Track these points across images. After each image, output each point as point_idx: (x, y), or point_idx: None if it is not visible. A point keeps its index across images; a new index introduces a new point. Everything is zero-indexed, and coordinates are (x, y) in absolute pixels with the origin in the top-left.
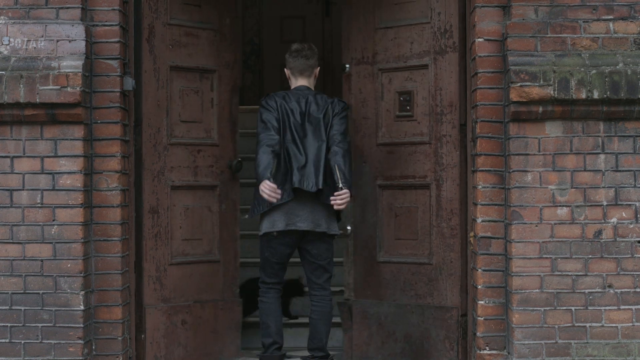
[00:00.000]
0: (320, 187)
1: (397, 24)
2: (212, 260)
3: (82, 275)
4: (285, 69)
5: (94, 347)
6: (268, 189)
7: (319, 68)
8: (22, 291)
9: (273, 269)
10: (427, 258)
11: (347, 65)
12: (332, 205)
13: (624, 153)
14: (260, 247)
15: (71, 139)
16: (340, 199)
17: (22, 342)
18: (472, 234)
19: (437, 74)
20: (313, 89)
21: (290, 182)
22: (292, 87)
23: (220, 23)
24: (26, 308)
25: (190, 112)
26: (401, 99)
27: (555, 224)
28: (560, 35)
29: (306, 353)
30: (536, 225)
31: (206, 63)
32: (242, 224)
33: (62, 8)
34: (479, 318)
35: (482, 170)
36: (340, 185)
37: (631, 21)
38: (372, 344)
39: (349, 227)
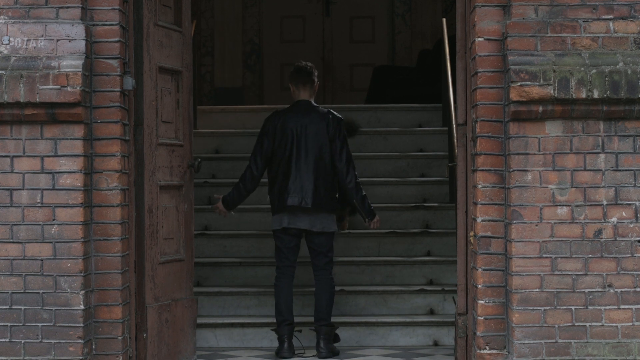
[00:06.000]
0: (314, 205)
1: None
2: (180, 259)
3: (82, 274)
4: (290, 84)
5: (94, 347)
6: (219, 210)
7: (318, 83)
8: (22, 291)
9: (283, 254)
10: None
11: None
12: (330, 209)
13: (624, 152)
14: (274, 238)
15: (71, 139)
16: (375, 226)
17: (22, 341)
18: (472, 233)
19: None
20: (313, 101)
21: (288, 196)
22: (295, 99)
23: (183, 25)
24: (26, 307)
25: (167, 113)
26: None
27: (555, 223)
28: (560, 34)
29: None
30: (536, 225)
31: (175, 64)
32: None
33: (62, 7)
34: (479, 317)
35: (482, 170)
36: (367, 220)
37: (631, 21)
38: None
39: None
